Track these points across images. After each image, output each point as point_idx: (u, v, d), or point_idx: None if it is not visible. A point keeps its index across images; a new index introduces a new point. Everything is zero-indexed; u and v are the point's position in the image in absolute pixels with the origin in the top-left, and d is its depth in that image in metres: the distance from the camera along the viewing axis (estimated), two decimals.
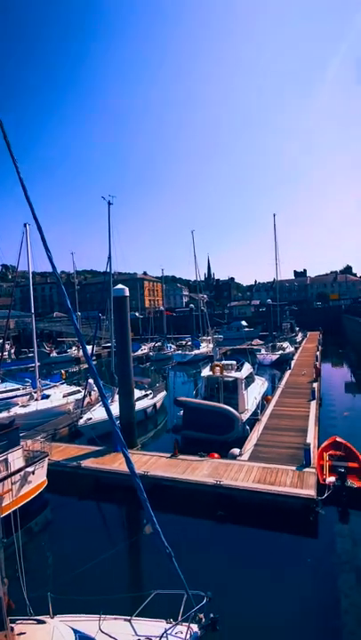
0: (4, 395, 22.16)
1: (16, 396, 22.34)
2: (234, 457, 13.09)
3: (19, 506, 9.59)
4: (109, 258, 21.80)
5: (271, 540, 9.69)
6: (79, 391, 22.79)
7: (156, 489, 11.06)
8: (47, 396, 21.78)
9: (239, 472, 11.74)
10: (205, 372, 19.89)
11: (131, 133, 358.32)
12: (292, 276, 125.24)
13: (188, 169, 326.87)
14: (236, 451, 13.42)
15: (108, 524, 11.63)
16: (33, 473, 11.52)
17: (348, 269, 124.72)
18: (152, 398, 21.25)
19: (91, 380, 25.90)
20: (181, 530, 9.75)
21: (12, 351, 51.63)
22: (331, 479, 11.09)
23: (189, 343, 46.61)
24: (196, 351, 43.13)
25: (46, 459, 12.38)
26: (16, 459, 11.36)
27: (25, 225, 21.79)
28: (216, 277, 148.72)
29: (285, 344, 42.02)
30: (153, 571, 8.63)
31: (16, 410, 19.69)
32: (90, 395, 20.69)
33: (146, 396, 21.05)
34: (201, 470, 12.09)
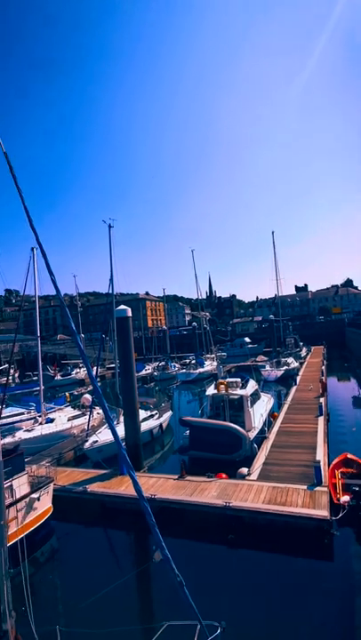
0: (9, 419, 21.97)
1: (20, 421, 22.14)
2: (242, 477, 12.83)
3: (25, 534, 9.36)
4: (111, 279, 22.07)
5: (285, 564, 9.36)
6: (84, 414, 22.59)
7: (164, 512, 10.81)
8: (52, 420, 21.59)
9: (248, 492, 11.48)
10: (210, 390, 19.74)
11: (130, 153, 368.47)
12: (293, 292, 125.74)
13: (187, 188, 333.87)
14: (244, 470, 13.16)
15: (116, 551, 11.31)
16: (38, 499, 11.30)
17: (348, 282, 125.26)
18: (158, 418, 21.01)
19: (88, 397, 25.84)
20: (192, 555, 9.48)
21: (17, 375, 51.54)
22: (345, 498, 10.78)
23: (193, 362, 46.43)
24: (201, 369, 42.90)
25: (51, 484, 12.17)
26: (21, 485, 11.17)
27: (32, 249, 22.12)
28: (218, 295, 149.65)
29: (290, 359, 41.77)
30: (163, 600, 8.35)
31: (21, 434, 19.50)
32: (91, 413, 20.51)
33: (151, 416, 20.83)
34: (210, 492, 11.83)
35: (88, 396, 28.59)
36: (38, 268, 22.36)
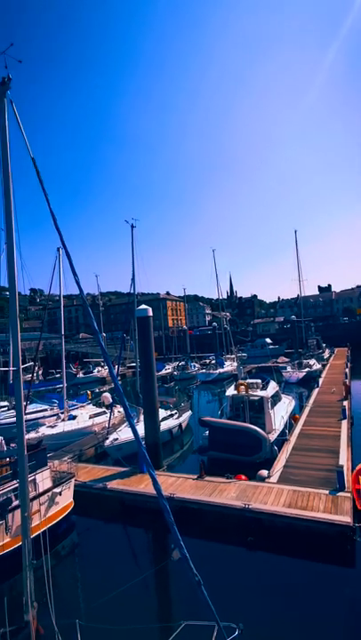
0: (33, 415, 22.55)
1: (44, 417, 22.70)
2: (262, 479, 12.68)
3: (47, 527, 9.58)
4: (133, 279, 22.27)
5: (305, 568, 9.20)
6: (105, 412, 22.91)
7: (182, 512, 10.84)
8: (74, 417, 22.01)
9: (268, 495, 11.34)
10: (230, 390, 19.60)
11: (152, 153, 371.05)
12: (316, 292, 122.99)
13: (207, 187, 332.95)
14: (264, 472, 13.01)
15: (135, 548, 11.42)
16: (60, 494, 11.56)
17: None
18: (177, 418, 21.06)
19: (108, 395, 26.15)
20: (210, 556, 9.46)
21: (40, 372, 52.82)
22: None
23: (213, 362, 46.23)
24: (221, 370, 42.67)
25: (73, 480, 12.42)
26: (44, 479, 11.47)
27: (58, 249, 22.58)
28: (238, 295, 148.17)
29: (312, 361, 40.92)
30: (182, 599, 8.38)
31: (44, 430, 19.98)
32: (111, 410, 20.76)
33: (171, 415, 20.89)
34: (228, 493, 11.76)
35: (108, 395, 28.99)
36: (63, 268, 22.82)
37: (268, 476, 12.78)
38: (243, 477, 12.90)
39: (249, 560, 9.78)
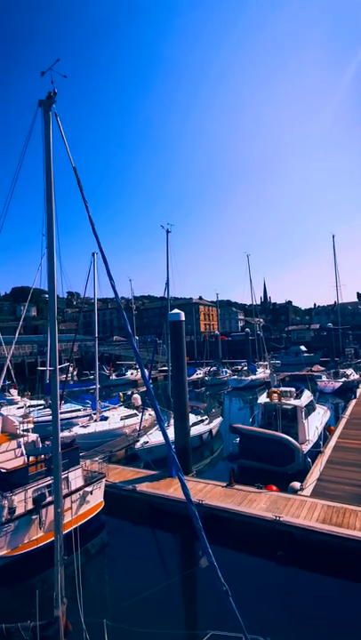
0: (67, 415, 23.24)
1: (77, 417, 23.31)
2: (294, 491, 12.29)
3: (78, 525, 9.81)
4: (167, 284, 22.51)
5: (338, 587, 8.79)
6: (136, 414, 23.19)
7: (210, 519, 10.71)
8: (106, 418, 22.44)
9: (301, 508, 10.96)
10: (262, 398, 19.22)
11: (187, 158, 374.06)
12: (355, 299, 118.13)
13: (243, 191, 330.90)
14: (296, 484, 12.60)
15: (163, 552, 11.41)
16: (91, 493, 11.81)
17: None
18: (208, 424, 20.92)
19: (137, 397, 26.36)
20: (237, 566, 9.27)
21: (75, 373, 54.42)
22: None
23: (245, 368, 45.56)
24: (253, 376, 41.97)
25: (103, 480, 12.65)
26: (76, 477, 11.77)
27: (93, 254, 23.29)
28: (273, 301, 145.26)
29: (349, 371, 39.28)
30: (208, 607, 8.26)
31: (77, 430, 20.51)
32: (142, 412, 20.95)
33: (202, 421, 20.79)
34: (258, 503, 11.49)
35: (137, 396, 29.33)
36: (98, 272, 23.47)
37: (301, 489, 12.37)
38: (274, 488, 12.57)
39: (278, 574, 9.48)
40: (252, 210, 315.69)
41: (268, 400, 18.18)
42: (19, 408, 25.52)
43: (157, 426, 17.94)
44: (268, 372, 41.91)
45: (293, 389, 19.16)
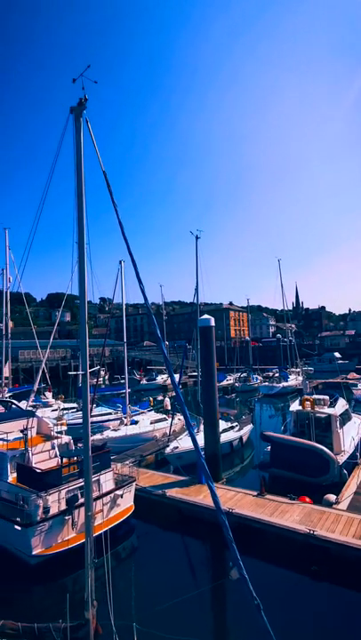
0: (98, 418, 23.68)
1: (108, 420, 23.69)
2: (329, 504, 11.80)
3: (109, 528, 9.92)
4: (197, 289, 22.50)
5: None
6: (166, 419, 23.25)
7: (241, 529, 10.48)
8: (136, 422, 22.65)
9: (336, 523, 10.50)
10: (295, 406, 18.70)
11: (215, 162, 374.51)
12: None
13: (273, 195, 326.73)
14: (331, 497, 12.10)
15: (192, 560, 11.29)
16: (122, 496, 11.91)
17: None
18: (238, 431, 20.60)
19: (168, 401, 26.38)
20: (269, 579, 8.99)
21: (106, 377, 55.49)
22: None
23: (277, 375, 44.58)
24: (285, 383, 40.98)
25: (134, 484, 12.73)
26: (107, 480, 11.93)
27: (120, 262, 23.79)
28: (305, 306, 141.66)
29: None
30: (239, 621, 8.07)
31: (108, 433, 20.83)
32: (172, 417, 20.95)
33: (232, 428, 20.51)
34: (291, 515, 11.13)
35: (168, 400, 29.44)
36: (127, 278, 23.88)
37: (337, 502, 11.86)
38: (307, 500, 12.13)
39: (312, 590, 9.10)
40: (283, 213, 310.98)
41: (300, 408, 17.66)
42: (53, 410, 26.30)
43: (187, 431, 17.89)
44: (300, 379, 40.79)
45: (327, 397, 18.49)
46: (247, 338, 70.16)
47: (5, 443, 12.44)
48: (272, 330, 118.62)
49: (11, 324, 32.20)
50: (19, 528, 9.84)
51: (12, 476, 11.63)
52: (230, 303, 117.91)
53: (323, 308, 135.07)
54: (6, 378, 29.93)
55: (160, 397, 34.70)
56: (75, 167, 6.71)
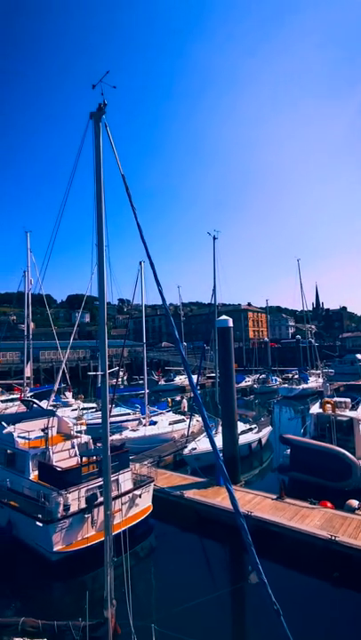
0: (117, 418, 23.90)
1: (127, 420, 23.87)
2: (352, 510, 11.51)
3: (127, 527, 9.98)
4: (214, 290, 22.44)
5: None
6: (184, 420, 23.24)
7: (259, 532, 10.34)
8: (154, 423, 22.74)
9: (359, 529, 10.23)
10: (315, 408, 18.37)
11: (234, 161, 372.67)
12: None
13: (291, 194, 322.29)
14: (354, 503, 11.79)
15: (211, 562, 11.23)
16: (140, 496, 11.98)
17: None
18: (257, 433, 20.38)
19: (185, 401, 26.32)
20: (289, 584, 8.85)
21: (125, 377, 55.97)
22: None
23: (296, 376, 43.87)
24: (304, 385, 40.28)
25: (152, 484, 12.77)
26: (126, 480, 12.02)
27: (140, 263, 23.93)
28: (326, 307, 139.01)
29: None
30: (258, 625, 7.97)
31: (127, 433, 21.00)
32: (191, 420, 20.90)
33: (250, 429, 20.31)
34: (312, 520, 10.91)
35: (185, 401, 29.42)
36: (146, 279, 24.00)
37: (359, 508, 11.55)
38: (328, 504, 11.87)
39: (334, 597, 8.90)
40: (302, 213, 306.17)
41: (321, 411, 17.32)
42: (73, 410, 26.70)
43: (205, 433, 17.82)
44: (320, 380, 40.03)
45: (349, 400, 18.08)
46: (266, 339, 69.48)
47: (27, 441, 12.71)
48: (291, 331, 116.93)
49: (32, 325, 32.91)
50: (40, 524, 10.04)
51: (33, 474, 11.88)
52: (248, 304, 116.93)
53: (344, 308, 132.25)
54: (28, 378, 30.58)
55: (178, 398, 34.67)
56: (94, 170, 6.82)
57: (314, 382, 41.44)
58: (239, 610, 9.20)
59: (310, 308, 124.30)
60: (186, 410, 27.72)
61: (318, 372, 45.19)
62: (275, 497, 12.49)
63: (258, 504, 12.09)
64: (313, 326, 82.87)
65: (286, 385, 41.78)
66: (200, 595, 8.26)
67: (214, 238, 22.90)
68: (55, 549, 9.88)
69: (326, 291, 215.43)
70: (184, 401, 29.76)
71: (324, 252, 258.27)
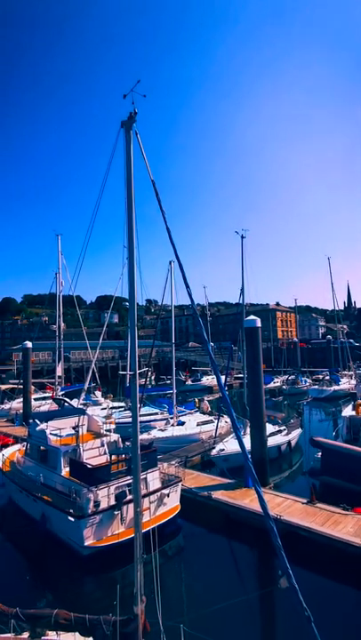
0: (145, 418, 24.16)
1: (155, 420, 24.10)
2: None
3: (156, 525, 10.08)
4: (242, 290, 22.24)
5: None
6: (212, 421, 23.17)
7: (289, 537, 10.14)
8: (182, 423, 22.82)
9: None
10: (347, 411, 17.85)
11: (261, 160, 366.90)
12: None
13: (320, 192, 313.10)
14: None
15: (239, 564, 11.14)
16: (168, 496, 12.08)
17: None
18: (286, 435, 20.00)
19: (207, 403, 26.14)
20: (320, 591, 8.64)
21: (153, 377, 56.47)
22: None
23: (327, 378, 42.64)
24: (336, 387, 39.09)
25: (180, 484, 12.84)
26: (154, 479, 12.16)
27: (170, 262, 24.04)
28: (358, 306, 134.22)
29: None
30: (288, 631, 7.84)
31: (155, 433, 21.20)
32: (219, 420, 20.80)
33: (279, 431, 19.97)
34: (345, 526, 10.59)
35: (206, 402, 29.35)
36: (175, 280, 24.12)
37: None
38: None
39: None
40: (333, 209, 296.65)
41: (354, 413, 16.82)
42: (102, 409, 27.28)
43: (233, 434, 17.70)
44: (353, 382, 38.77)
45: None
46: (295, 339, 67.96)
47: (59, 438, 13.13)
48: (322, 331, 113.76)
49: (63, 325, 33.89)
50: (72, 519, 10.35)
51: (65, 470, 12.26)
52: (277, 303, 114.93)
53: None
54: (59, 377, 31.52)
55: (205, 398, 34.65)
56: (124, 175, 6.98)
57: (346, 384, 40.16)
58: (269, 614, 9.07)
59: (342, 308, 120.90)
60: (209, 410, 27.62)
61: (351, 373, 43.75)
62: (305, 501, 12.22)
63: (287, 508, 11.88)
64: (345, 326, 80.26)
65: (317, 386, 40.71)
66: (229, 597, 8.23)
67: (242, 237, 22.69)
68: (86, 544, 10.15)
69: (359, 289, 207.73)
70: (205, 401, 29.64)
71: (356, 249, 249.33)
